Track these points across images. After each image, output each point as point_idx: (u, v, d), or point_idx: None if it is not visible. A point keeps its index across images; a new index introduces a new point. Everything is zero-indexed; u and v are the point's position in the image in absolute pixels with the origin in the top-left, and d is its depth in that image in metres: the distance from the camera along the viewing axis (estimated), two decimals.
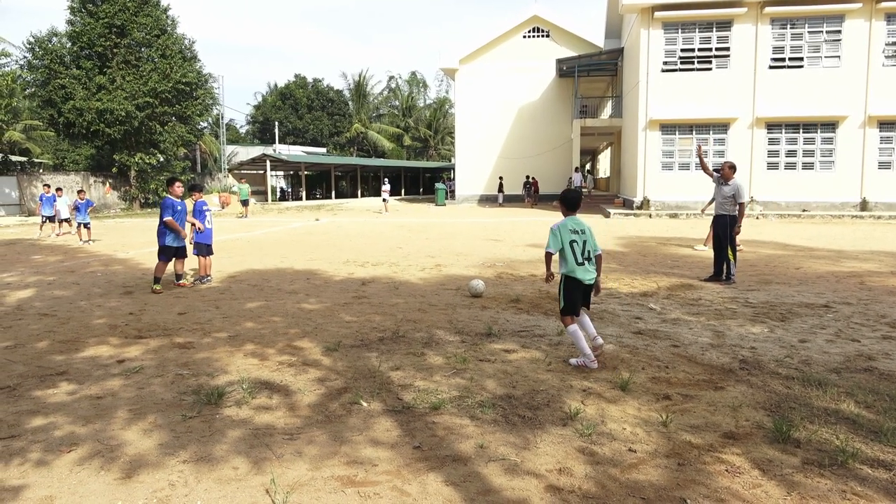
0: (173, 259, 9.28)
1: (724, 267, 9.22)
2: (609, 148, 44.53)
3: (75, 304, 8.15)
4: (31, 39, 31.93)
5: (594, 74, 36.13)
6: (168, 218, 9.01)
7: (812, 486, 3.17)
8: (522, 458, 3.52)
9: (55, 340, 6.23)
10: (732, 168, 9.25)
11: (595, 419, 4.06)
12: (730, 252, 9.14)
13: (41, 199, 19.67)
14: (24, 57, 32.07)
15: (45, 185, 21.35)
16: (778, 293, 8.37)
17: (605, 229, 18.74)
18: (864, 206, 23.42)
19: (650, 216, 23.47)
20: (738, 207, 9.11)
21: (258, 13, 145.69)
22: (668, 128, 24.63)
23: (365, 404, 4.38)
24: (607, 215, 24.46)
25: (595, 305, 7.58)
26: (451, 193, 41.15)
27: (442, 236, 17.10)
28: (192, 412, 4.26)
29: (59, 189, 20.32)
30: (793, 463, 3.41)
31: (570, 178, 34.01)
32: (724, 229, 9.17)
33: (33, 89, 32.39)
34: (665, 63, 24.33)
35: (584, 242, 5.35)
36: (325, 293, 8.66)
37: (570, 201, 5.51)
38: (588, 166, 57.94)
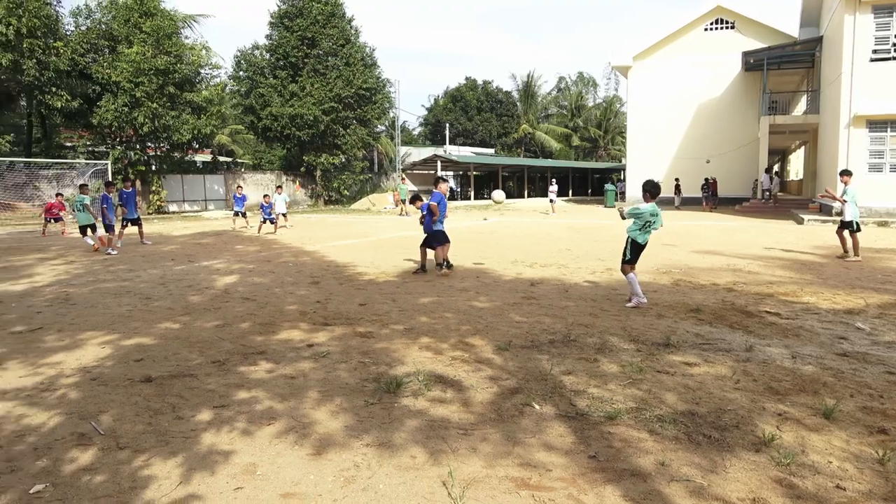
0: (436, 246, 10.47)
1: None
2: (802, 147, 40.41)
3: (271, 290, 8.99)
4: (238, 53, 35.96)
5: (786, 67, 32.92)
6: (433, 203, 10.47)
7: None
8: (709, 482, 3.27)
9: (255, 322, 6.91)
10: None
11: (794, 448, 3.66)
12: None
13: (234, 198, 21.91)
14: (232, 69, 36.22)
15: (238, 186, 23.86)
16: None
17: (798, 237, 17.00)
18: None
19: None
20: None
21: (433, 19, 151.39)
22: (876, 124, 21.77)
23: (537, 407, 4.34)
24: (800, 221, 22.18)
25: (789, 321, 6.90)
26: (621, 195, 39.79)
27: (612, 239, 16.56)
28: (374, 399, 4.48)
29: (279, 187, 22.92)
30: None
31: (758, 179, 31.37)
32: None
33: (238, 98, 36.42)
34: (874, 51, 21.52)
35: (655, 221, 7.76)
36: (495, 292, 8.74)
37: (654, 191, 7.86)
38: (776, 167, 53.06)
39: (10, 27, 22.94)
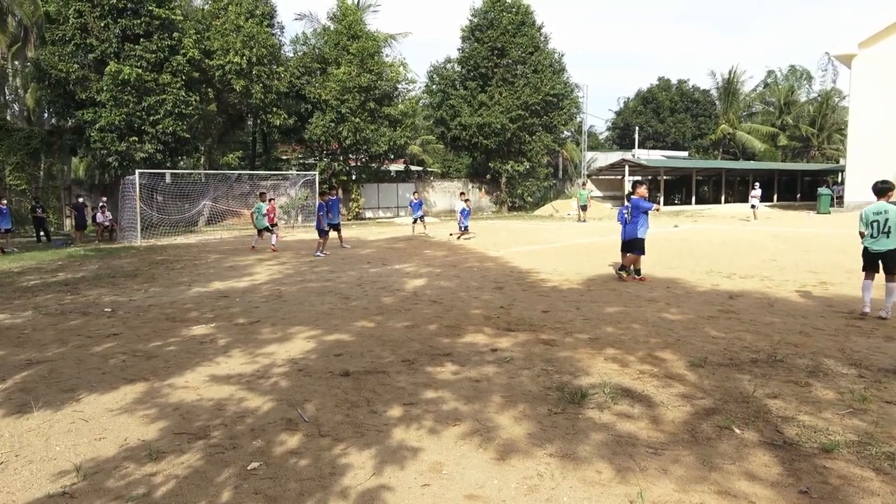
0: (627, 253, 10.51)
1: None
2: None
3: (457, 294, 9.28)
4: (431, 68, 37.80)
5: None
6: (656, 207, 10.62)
7: None
8: None
9: (442, 325, 7.17)
10: None
11: None
12: None
13: (411, 205, 22.52)
14: (426, 83, 38.14)
15: (414, 192, 24.71)
16: None
17: None
18: None
19: None
20: None
21: (626, 19, 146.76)
22: None
23: (738, 431, 3.98)
24: None
25: None
26: (837, 199, 35.37)
27: (827, 249, 14.75)
28: (557, 408, 4.42)
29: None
30: None
31: None
32: None
33: (430, 110, 38.26)
34: None
35: (886, 222, 7.20)
36: (687, 304, 8.20)
37: (877, 190, 7.52)
38: None
39: (244, 58, 26.32)
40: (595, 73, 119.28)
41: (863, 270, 7.56)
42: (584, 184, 36.62)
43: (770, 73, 65.76)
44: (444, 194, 38.04)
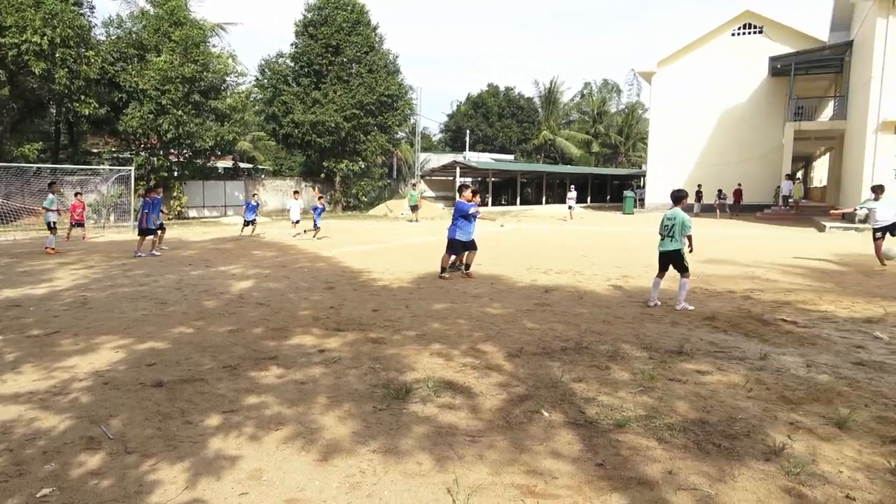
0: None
1: None
2: (828, 154, 39.77)
3: (285, 295, 9.05)
4: (262, 62, 36.38)
5: (814, 72, 32.47)
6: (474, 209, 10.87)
7: None
8: (717, 491, 3.23)
9: (268, 328, 6.96)
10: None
11: (805, 457, 3.60)
12: None
13: (246, 205, 21.35)
14: (256, 77, 36.61)
15: (253, 193, 23.77)
16: None
17: (819, 245, 16.72)
18: None
19: None
20: None
21: (459, 26, 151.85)
22: None
23: (546, 414, 4.32)
24: (821, 229, 21.82)
25: (805, 329, 6.79)
26: (640, 202, 39.47)
27: (630, 246, 16.43)
28: (382, 405, 4.50)
29: (295, 192, 22.91)
30: None
31: (779, 186, 30.94)
32: None
33: (261, 106, 36.79)
34: None
35: (672, 227, 8.12)
36: (509, 299, 8.71)
37: (674, 198, 8.42)
38: (800, 174, 52.28)
39: (45, 37, 23.39)
40: (430, 76, 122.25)
41: (658, 271, 8.43)
42: (415, 184, 37.35)
43: (587, 84, 71.60)
44: (275, 193, 36.83)
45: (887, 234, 11.82)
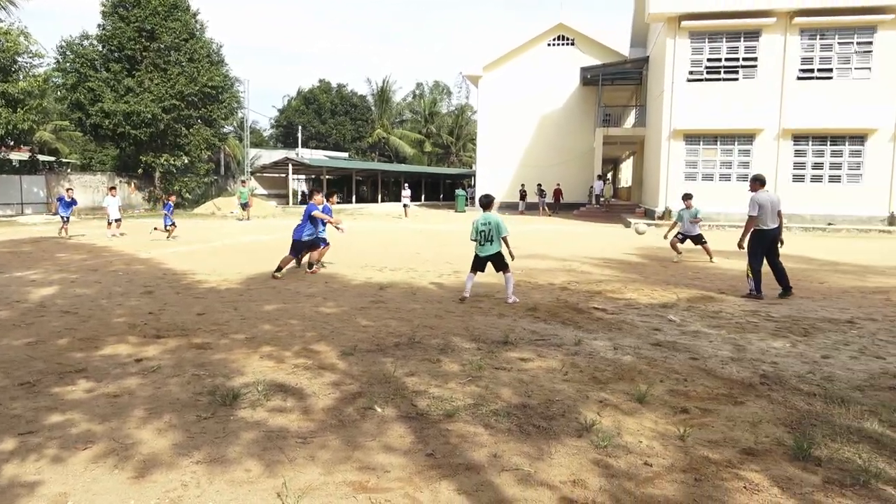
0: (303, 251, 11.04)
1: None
2: (632, 157, 44.24)
3: (97, 302, 8.25)
4: (63, 43, 32.58)
5: (618, 83, 35.95)
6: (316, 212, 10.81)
7: None
8: (536, 469, 3.48)
9: (75, 338, 6.31)
10: (758, 181, 9.03)
11: (611, 431, 4.00)
12: (749, 267, 8.96)
13: (59, 201, 19.53)
14: (56, 59, 32.73)
15: (67, 188, 21.56)
16: (801, 307, 8.21)
17: (625, 240, 18.58)
18: (892, 220, 22.96)
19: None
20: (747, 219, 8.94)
21: (285, 18, 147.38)
22: (692, 138, 24.41)
23: (379, 410, 4.37)
24: (628, 225, 24.26)
25: (613, 316, 7.51)
26: (471, 200, 41.15)
27: (461, 243, 17.07)
28: (207, 413, 4.27)
29: (112, 188, 20.98)
30: (813, 481, 3.32)
31: (592, 186, 33.84)
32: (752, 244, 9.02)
33: (63, 92, 32.99)
34: (691, 73, 24.14)
35: (489, 231, 8.32)
36: (343, 297, 8.67)
37: (483, 204, 8.66)
38: (610, 175, 57.59)
39: None
40: (257, 69, 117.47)
41: (471, 269, 8.62)
42: (244, 181, 35.77)
43: (419, 84, 73.19)
44: (84, 190, 33.34)
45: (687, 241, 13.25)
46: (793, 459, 3.58)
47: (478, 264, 8.55)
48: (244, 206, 28.99)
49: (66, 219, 18.82)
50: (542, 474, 3.42)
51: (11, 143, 29.66)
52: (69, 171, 35.43)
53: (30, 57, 28.89)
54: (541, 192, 34.43)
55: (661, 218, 24.35)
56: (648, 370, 5.32)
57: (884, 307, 8.26)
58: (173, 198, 19.08)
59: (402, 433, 3.99)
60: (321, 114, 68.73)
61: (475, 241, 8.50)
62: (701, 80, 24.10)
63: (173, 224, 17.84)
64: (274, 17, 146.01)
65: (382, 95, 67.97)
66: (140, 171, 34.86)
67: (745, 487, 3.27)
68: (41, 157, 35.67)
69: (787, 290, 8.91)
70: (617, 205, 36.63)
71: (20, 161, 33.43)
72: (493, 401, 4.56)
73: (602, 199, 33.73)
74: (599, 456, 3.65)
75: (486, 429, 4.06)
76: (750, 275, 8.93)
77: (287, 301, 8.38)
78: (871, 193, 23.16)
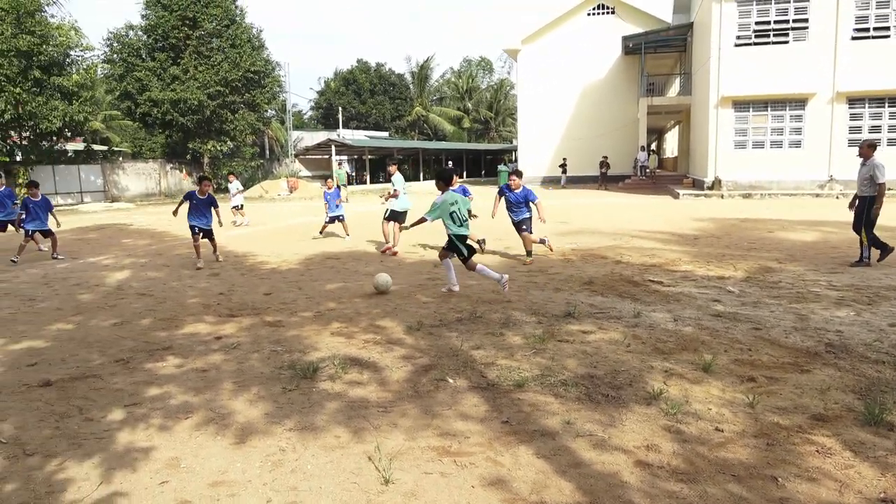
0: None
1: (861, 249, 8.89)
2: (677, 127, 43.27)
3: (168, 284, 8.68)
4: (110, 35, 33.46)
5: (661, 51, 35.09)
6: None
7: None
8: (609, 435, 3.63)
9: (156, 318, 6.69)
10: (872, 147, 8.88)
11: (679, 399, 4.12)
12: (864, 234, 8.80)
13: (230, 189, 18.37)
14: (104, 51, 33.66)
15: (230, 174, 20.24)
16: (864, 276, 8.09)
17: (675, 211, 18.36)
18: None
19: (722, 197, 22.80)
20: (877, 188, 8.66)
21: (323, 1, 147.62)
22: (741, 105, 23.77)
23: (451, 381, 4.57)
24: (676, 196, 23.90)
25: (670, 288, 7.55)
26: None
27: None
28: (291, 385, 4.55)
29: (230, 174, 20.02)
30: (886, 445, 3.39)
31: (637, 157, 33.31)
32: (861, 210, 8.86)
33: (113, 82, 33.95)
34: (738, 37, 23.42)
35: (460, 209, 7.44)
36: (399, 275, 8.90)
37: (446, 180, 7.82)
38: (654, 146, 56.51)
39: None
40: (295, 52, 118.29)
41: (448, 253, 7.57)
42: (339, 163, 36.52)
43: (466, 60, 72.63)
44: (138, 177, 34.45)
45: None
46: (864, 425, 3.65)
47: (453, 247, 7.46)
48: (344, 185, 29.62)
49: (234, 207, 17.96)
50: (616, 440, 3.57)
51: (68, 135, 30.76)
52: (122, 159, 36.57)
53: (81, 50, 29.79)
54: (604, 165, 33.25)
55: (710, 188, 23.90)
56: (711, 340, 5.39)
57: None
58: (232, 177, 18.77)
59: (476, 402, 4.18)
60: (360, 94, 68.96)
61: (442, 220, 7.49)
62: (749, 44, 23.37)
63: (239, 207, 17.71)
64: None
65: (421, 73, 67.80)
66: (188, 157, 35.79)
67: (817, 451, 3.36)
68: (95, 147, 36.90)
69: (886, 250, 8.82)
70: (662, 175, 36.00)
71: (76, 151, 34.66)
72: (559, 371, 4.71)
73: (647, 171, 33.19)
74: (670, 422, 3.78)
75: (555, 398, 4.22)
76: (866, 241, 8.79)
77: (346, 280, 8.65)
78: None
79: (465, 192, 10.02)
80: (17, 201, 12.98)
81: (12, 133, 27.73)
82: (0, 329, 6.38)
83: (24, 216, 11.25)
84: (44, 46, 26.36)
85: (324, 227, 13.58)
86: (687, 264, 9.19)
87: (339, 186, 29.40)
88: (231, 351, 5.43)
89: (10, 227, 11.89)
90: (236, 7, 35.34)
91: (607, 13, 36.38)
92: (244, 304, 7.29)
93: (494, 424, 3.83)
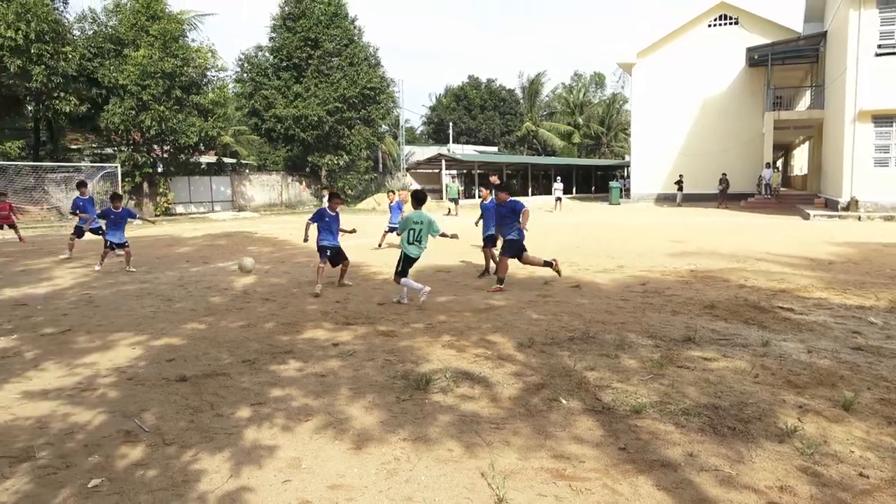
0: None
1: None
2: (807, 142, 40.45)
3: (289, 290, 9.13)
4: (241, 56, 36.10)
5: (790, 62, 32.96)
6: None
7: None
8: (737, 471, 3.41)
9: (279, 323, 7.05)
10: None
11: (816, 438, 3.79)
12: None
13: (391, 209, 15.00)
14: (235, 71, 36.31)
15: (389, 192, 16.38)
16: None
17: (806, 232, 17.09)
18: None
19: (859, 218, 21.01)
20: None
21: (438, 17, 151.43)
22: (882, 119, 21.86)
23: (564, 402, 4.47)
24: (806, 217, 22.27)
25: (802, 316, 7.02)
26: (625, 192, 39.87)
27: (620, 236, 16.66)
28: (405, 395, 4.62)
29: (391, 192, 15.83)
30: None
31: (761, 174, 31.43)
32: None
33: (242, 100, 36.51)
34: (880, 46, 21.60)
35: (420, 231, 7.98)
36: (510, 291, 8.86)
37: (418, 200, 8.36)
38: (779, 163, 53.10)
39: (20, 32, 23.02)
40: (408, 68, 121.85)
41: (402, 275, 7.96)
42: (453, 177, 37.50)
43: (575, 75, 72.02)
44: (261, 188, 36.66)
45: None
46: None
47: (408, 266, 8.07)
48: (454, 201, 30.42)
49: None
50: (745, 478, 3.34)
51: (202, 148, 33.32)
52: (248, 171, 39.08)
53: (216, 71, 32.26)
54: (724, 182, 31.69)
55: (845, 209, 22.09)
56: (851, 376, 4.94)
57: None
58: (393, 196, 15.13)
59: (591, 426, 4.06)
60: (471, 109, 69.88)
61: (401, 236, 8.15)
62: (892, 53, 21.48)
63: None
64: (422, 18, 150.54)
65: (531, 88, 67.76)
66: (308, 170, 37.70)
67: None
68: (225, 160, 39.71)
69: None
70: (789, 194, 33.71)
71: (208, 163, 37.44)
72: (679, 399, 4.49)
73: (771, 189, 31.20)
74: (806, 463, 3.49)
75: (676, 427, 4.02)
76: None
77: (457, 293, 8.73)
78: None
79: (518, 206, 9.22)
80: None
81: (156, 147, 30.36)
82: (143, 326, 6.97)
83: (96, 220, 13.05)
84: (185, 68, 28.74)
85: (383, 237, 14.23)
86: (821, 291, 8.51)
87: (452, 200, 30.04)
88: (347, 358, 5.61)
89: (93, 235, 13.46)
90: (354, 27, 36.99)
91: (730, 24, 34.76)
92: (359, 312, 7.53)
93: (611, 450, 3.70)
